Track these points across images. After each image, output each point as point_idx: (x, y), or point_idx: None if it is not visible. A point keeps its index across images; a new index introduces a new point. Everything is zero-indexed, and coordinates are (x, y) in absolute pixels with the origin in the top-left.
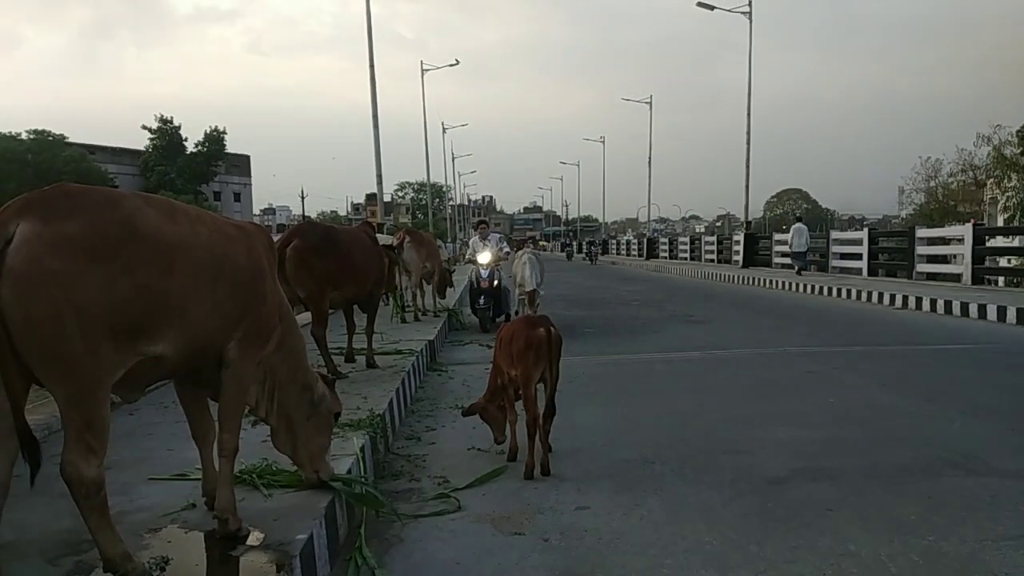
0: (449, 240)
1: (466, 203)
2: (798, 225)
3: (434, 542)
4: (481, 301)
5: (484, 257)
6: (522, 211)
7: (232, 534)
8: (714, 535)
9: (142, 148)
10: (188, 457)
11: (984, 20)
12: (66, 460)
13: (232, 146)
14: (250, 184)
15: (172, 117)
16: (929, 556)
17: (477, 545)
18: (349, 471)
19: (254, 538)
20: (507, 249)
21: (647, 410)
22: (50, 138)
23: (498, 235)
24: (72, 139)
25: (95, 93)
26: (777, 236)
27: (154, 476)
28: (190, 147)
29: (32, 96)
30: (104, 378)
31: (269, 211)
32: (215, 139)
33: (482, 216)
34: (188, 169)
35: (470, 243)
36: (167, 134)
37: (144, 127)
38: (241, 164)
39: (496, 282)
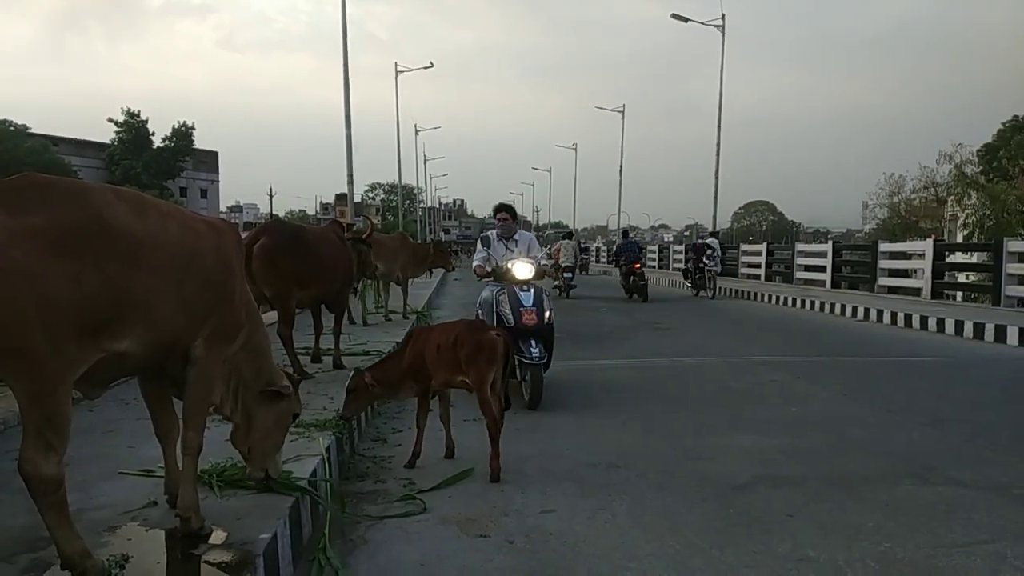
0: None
1: (437, 205)
2: (711, 239)
3: (399, 543)
4: (532, 351)
5: (523, 270)
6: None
7: (194, 533)
8: (677, 539)
9: (107, 141)
10: (150, 454)
11: (948, 42)
12: (24, 457)
13: (200, 142)
14: (217, 181)
15: (139, 111)
16: (885, 562)
17: (442, 547)
18: (314, 472)
19: (217, 537)
20: (546, 260)
21: (613, 416)
22: (11, 128)
23: (530, 235)
24: (35, 130)
25: (61, 85)
26: (744, 247)
27: (124, 471)
28: (157, 142)
29: None
30: (66, 374)
31: (236, 208)
32: (183, 134)
33: (503, 204)
34: (154, 164)
35: (483, 244)
36: (133, 128)
37: (110, 120)
38: (209, 160)
39: (548, 314)
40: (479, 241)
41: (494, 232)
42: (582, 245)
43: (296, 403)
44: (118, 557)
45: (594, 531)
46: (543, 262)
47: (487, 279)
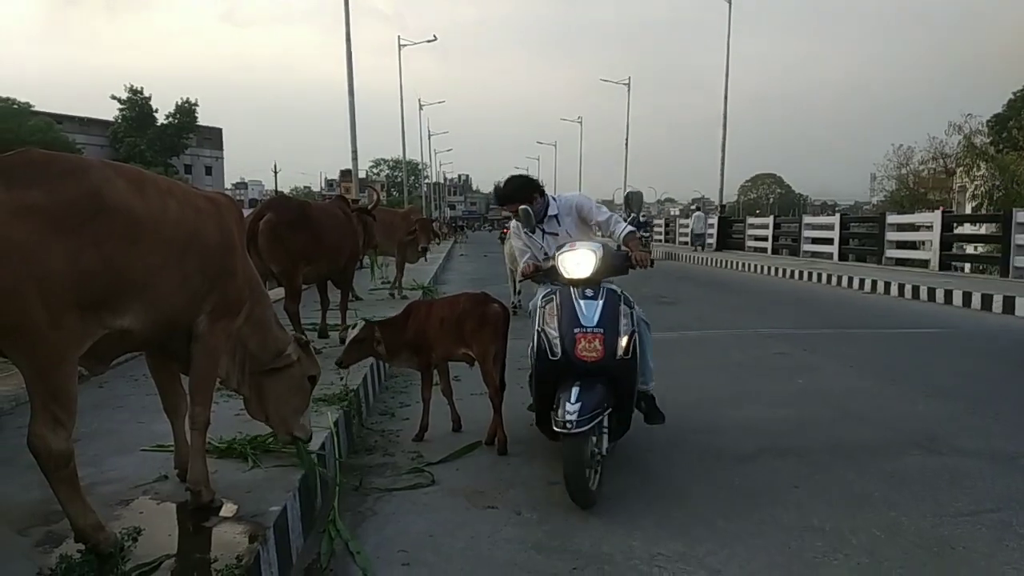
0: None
1: (442, 181)
2: (698, 213)
3: (407, 515)
4: (567, 410)
5: (579, 261)
6: None
7: (205, 506)
8: (682, 510)
9: (111, 119)
10: (159, 429)
11: (958, 12)
12: (33, 432)
13: (204, 118)
14: (222, 158)
15: (142, 87)
16: (890, 531)
17: (450, 518)
18: (323, 445)
19: (227, 510)
20: (627, 227)
21: None
22: (15, 106)
23: (573, 197)
24: (38, 108)
25: (63, 61)
26: (751, 220)
27: (145, 448)
28: (161, 119)
29: None
30: (69, 351)
31: (241, 185)
32: (186, 111)
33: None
34: (158, 141)
35: (525, 223)
36: (137, 105)
37: (113, 97)
38: (213, 137)
39: (626, 340)
40: (518, 219)
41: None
42: (642, 218)
43: (310, 364)
44: (130, 530)
45: (600, 502)
46: (617, 232)
47: (552, 279)
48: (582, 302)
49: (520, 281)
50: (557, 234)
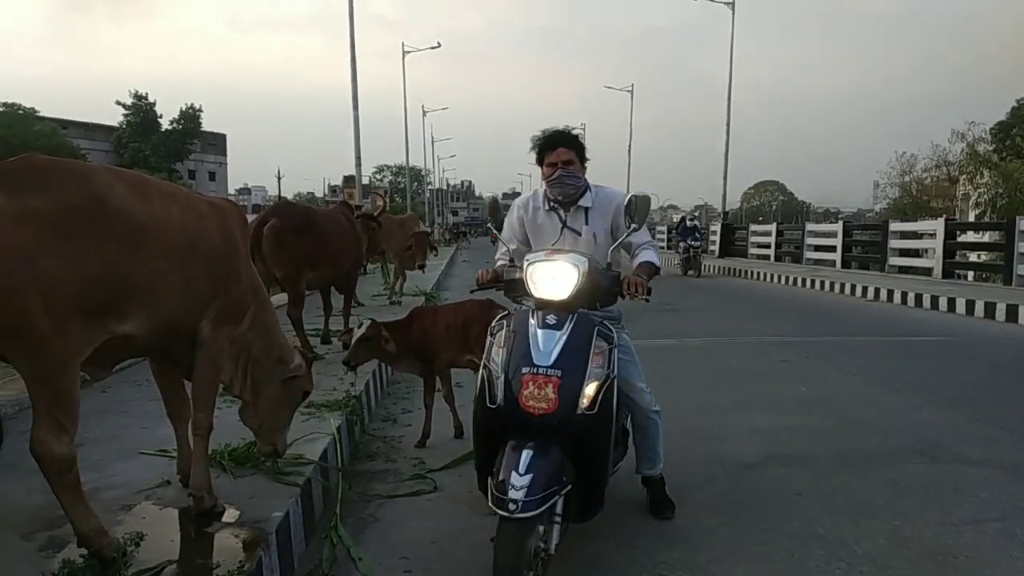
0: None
1: (445, 187)
2: (693, 222)
3: (410, 522)
4: (513, 486)
5: (555, 275)
6: (501, 197)
7: (207, 511)
8: (686, 517)
9: (116, 124)
10: (162, 434)
11: (962, 19)
12: (35, 438)
13: (208, 124)
14: (226, 163)
15: (147, 93)
16: (894, 539)
17: (453, 525)
18: (324, 452)
19: (230, 515)
20: (650, 257)
21: None
22: (20, 112)
23: (616, 193)
24: (43, 113)
25: (68, 67)
26: (754, 227)
27: (144, 451)
28: (165, 124)
29: (1, 68)
30: (72, 356)
31: (245, 191)
32: (191, 117)
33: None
34: (163, 146)
35: (491, 216)
36: (141, 110)
37: (118, 103)
38: (217, 143)
39: (595, 388)
40: (490, 213)
41: (536, 195)
42: (689, 222)
43: (307, 381)
44: (133, 535)
45: (603, 510)
46: (638, 256)
47: (516, 294)
48: (540, 332)
49: (472, 292)
50: (580, 233)
